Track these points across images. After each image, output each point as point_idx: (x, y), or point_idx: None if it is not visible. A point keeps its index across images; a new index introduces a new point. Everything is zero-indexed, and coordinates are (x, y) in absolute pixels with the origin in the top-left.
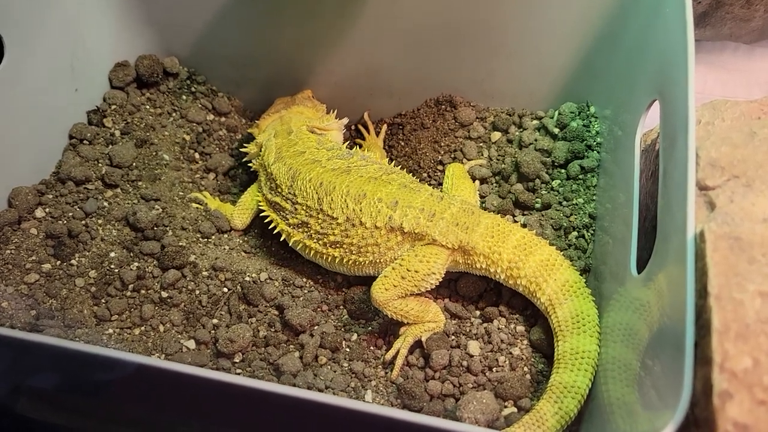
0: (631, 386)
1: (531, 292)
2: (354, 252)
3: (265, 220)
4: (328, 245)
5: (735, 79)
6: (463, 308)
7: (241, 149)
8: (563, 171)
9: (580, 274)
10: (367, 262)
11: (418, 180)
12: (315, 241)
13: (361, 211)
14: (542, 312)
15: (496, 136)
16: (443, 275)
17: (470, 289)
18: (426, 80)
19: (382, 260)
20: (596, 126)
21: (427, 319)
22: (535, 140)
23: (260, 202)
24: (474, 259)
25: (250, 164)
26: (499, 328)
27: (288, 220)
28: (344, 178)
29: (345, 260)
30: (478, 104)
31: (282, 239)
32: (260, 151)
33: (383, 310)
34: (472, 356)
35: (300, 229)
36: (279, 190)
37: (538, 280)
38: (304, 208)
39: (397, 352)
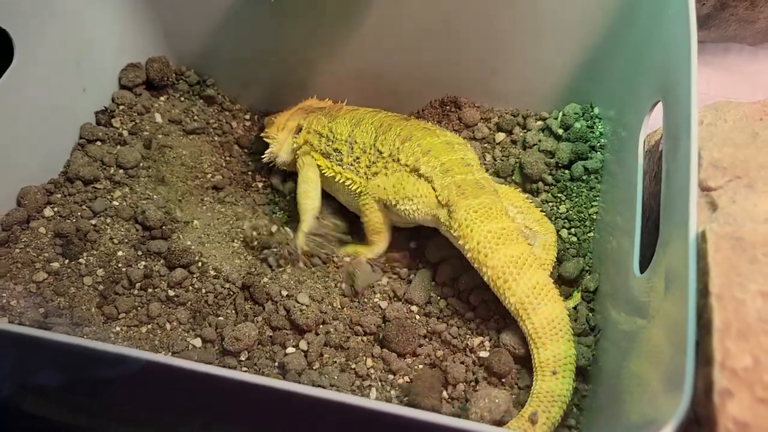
0: (638, 397)
1: (498, 287)
2: None
3: (322, 170)
4: (369, 176)
5: (739, 81)
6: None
7: (264, 137)
8: (567, 172)
9: (581, 274)
10: None
11: (469, 147)
12: (360, 175)
13: (402, 149)
14: (512, 315)
15: (501, 136)
16: (420, 217)
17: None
18: (430, 81)
19: None
20: (600, 127)
21: (373, 241)
22: (539, 141)
23: (315, 156)
24: (451, 223)
25: (263, 156)
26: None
27: (342, 159)
28: (402, 122)
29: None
30: (482, 105)
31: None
32: (290, 135)
33: (362, 199)
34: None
35: (351, 167)
36: (338, 137)
37: (506, 277)
38: (360, 146)
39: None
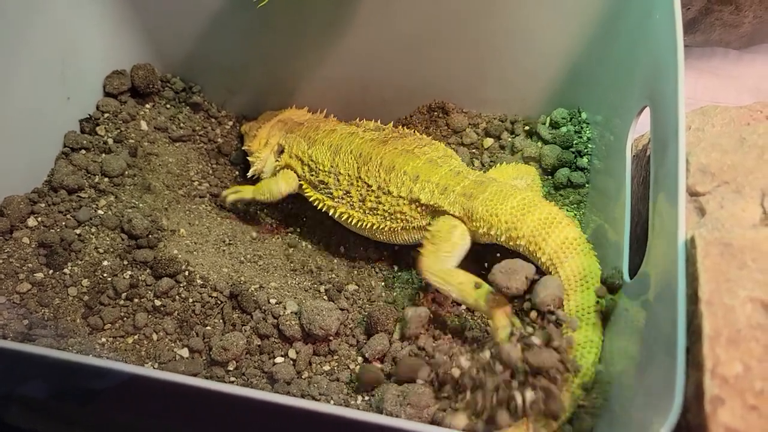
0: (629, 405)
1: (531, 252)
2: (387, 218)
3: (314, 203)
4: (366, 212)
5: (725, 85)
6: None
7: (246, 153)
8: (550, 179)
9: None
10: (399, 228)
11: (451, 153)
12: (357, 209)
13: (389, 181)
14: (545, 271)
15: (489, 142)
16: (467, 242)
17: None
18: (418, 87)
19: (410, 227)
20: (587, 132)
21: (479, 298)
22: (527, 146)
23: (304, 186)
24: (476, 225)
25: (254, 167)
26: None
27: (332, 193)
28: (380, 149)
29: (381, 227)
30: (470, 111)
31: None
32: (273, 152)
33: (427, 278)
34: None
35: (344, 200)
36: (321, 167)
37: (537, 240)
38: (346, 177)
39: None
